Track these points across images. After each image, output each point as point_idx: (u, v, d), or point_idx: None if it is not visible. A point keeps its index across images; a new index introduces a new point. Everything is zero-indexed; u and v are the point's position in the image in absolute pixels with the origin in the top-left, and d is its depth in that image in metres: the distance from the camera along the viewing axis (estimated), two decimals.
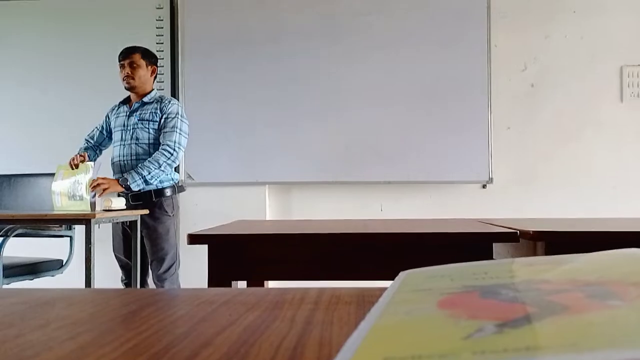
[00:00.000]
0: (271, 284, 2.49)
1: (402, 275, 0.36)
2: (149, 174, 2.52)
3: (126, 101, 2.73)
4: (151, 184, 2.58)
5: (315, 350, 0.30)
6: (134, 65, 2.61)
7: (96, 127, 2.80)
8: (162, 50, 3.36)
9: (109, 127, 2.76)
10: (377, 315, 0.26)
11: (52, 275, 2.67)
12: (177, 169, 2.87)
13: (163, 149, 2.56)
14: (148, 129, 2.62)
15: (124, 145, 2.63)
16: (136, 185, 2.52)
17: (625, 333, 0.18)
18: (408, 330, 0.23)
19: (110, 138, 2.77)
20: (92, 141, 2.78)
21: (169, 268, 2.63)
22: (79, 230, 2.48)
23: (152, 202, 2.61)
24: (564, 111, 3.33)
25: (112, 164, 2.68)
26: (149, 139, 2.61)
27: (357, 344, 0.22)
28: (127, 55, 2.62)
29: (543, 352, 0.17)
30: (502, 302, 0.25)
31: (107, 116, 2.78)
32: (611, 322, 0.20)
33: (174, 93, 3.35)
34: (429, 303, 0.27)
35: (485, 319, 0.22)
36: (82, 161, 2.53)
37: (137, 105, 2.66)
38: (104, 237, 2.66)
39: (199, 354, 0.30)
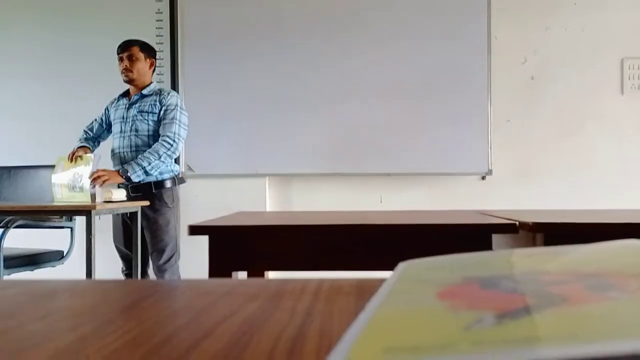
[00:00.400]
0: (271, 275, 2.50)
1: (402, 266, 0.36)
2: (149, 164, 2.52)
3: (125, 94, 2.72)
4: (151, 174, 2.58)
5: (315, 341, 0.30)
6: (133, 58, 2.61)
7: (95, 119, 2.80)
8: (162, 43, 3.35)
9: (108, 120, 2.76)
10: (377, 306, 0.26)
11: (53, 266, 2.67)
12: (177, 161, 2.87)
13: (163, 140, 2.56)
14: (147, 120, 2.62)
15: (123, 137, 2.63)
16: (136, 176, 2.52)
17: (625, 325, 0.19)
18: (408, 321, 0.23)
19: (109, 130, 2.77)
20: (90, 133, 2.78)
21: (169, 259, 2.64)
22: (80, 221, 2.48)
23: (152, 193, 2.61)
24: (564, 104, 3.32)
25: (112, 155, 2.68)
26: (148, 131, 2.61)
27: (357, 334, 0.23)
28: (126, 48, 2.62)
29: (542, 343, 0.17)
30: (502, 293, 0.25)
31: (107, 109, 2.78)
32: (611, 313, 0.20)
33: (174, 85, 3.34)
34: (429, 294, 0.27)
35: (485, 310, 0.22)
36: (82, 154, 2.53)
37: (136, 97, 2.66)
38: (104, 228, 2.67)
39: (200, 345, 0.30)
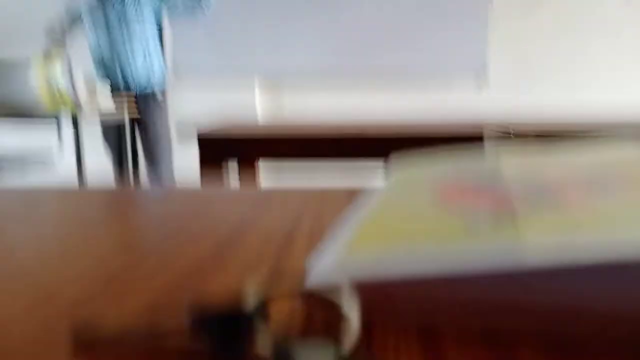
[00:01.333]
0: (262, 165, 2.52)
1: (395, 161, 0.35)
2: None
3: None
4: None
5: (305, 241, 0.30)
6: None
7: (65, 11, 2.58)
8: None
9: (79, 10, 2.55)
10: (370, 206, 0.26)
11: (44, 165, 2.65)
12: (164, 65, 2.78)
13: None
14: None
15: (110, 32, 2.48)
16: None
17: (622, 226, 0.18)
18: (402, 219, 0.23)
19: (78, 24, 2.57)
20: (60, 26, 2.57)
21: (164, 165, 2.65)
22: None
23: (145, 101, 2.56)
24: (567, 3, 3.20)
25: (95, 59, 2.56)
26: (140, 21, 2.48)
27: (351, 233, 0.22)
28: None
29: (538, 241, 0.17)
30: (499, 194, 0.24)
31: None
32: (608, 215, 0.19)
33: None
34: (423, 194, 0.26)
35: (481, 210, 0.21)
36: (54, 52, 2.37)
37: None
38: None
39: (189, 248, 0.29)
